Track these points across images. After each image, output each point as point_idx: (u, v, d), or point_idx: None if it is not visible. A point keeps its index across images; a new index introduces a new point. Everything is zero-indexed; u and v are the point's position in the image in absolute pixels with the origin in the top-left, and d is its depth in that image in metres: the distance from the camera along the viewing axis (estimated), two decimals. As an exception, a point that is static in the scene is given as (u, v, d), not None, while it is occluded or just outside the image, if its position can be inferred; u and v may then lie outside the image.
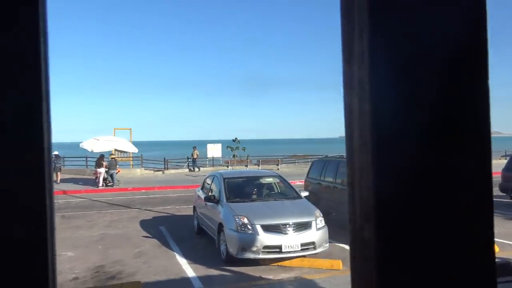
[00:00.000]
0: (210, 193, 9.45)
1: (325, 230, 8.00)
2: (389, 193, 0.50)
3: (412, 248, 0.50)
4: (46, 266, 0.63)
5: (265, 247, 7.45)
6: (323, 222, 8.05)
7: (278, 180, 9.93)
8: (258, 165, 28.41)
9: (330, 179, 11.14)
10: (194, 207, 10.78)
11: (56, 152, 22.27)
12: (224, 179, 9.30)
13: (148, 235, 10.24)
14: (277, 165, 29.13)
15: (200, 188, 10.97)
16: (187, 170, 28.60)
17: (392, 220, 0.50)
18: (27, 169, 0.63)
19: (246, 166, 27.59)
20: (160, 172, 27.99)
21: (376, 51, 0.49)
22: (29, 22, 0.60)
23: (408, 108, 0.51)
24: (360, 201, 0.52)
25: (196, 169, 28.38)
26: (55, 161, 22.07)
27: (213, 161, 31.75)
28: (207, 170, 27.84)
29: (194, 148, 28.66)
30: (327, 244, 8.01)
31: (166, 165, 30.60)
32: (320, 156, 18.32)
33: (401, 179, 0.50)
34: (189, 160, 29.25)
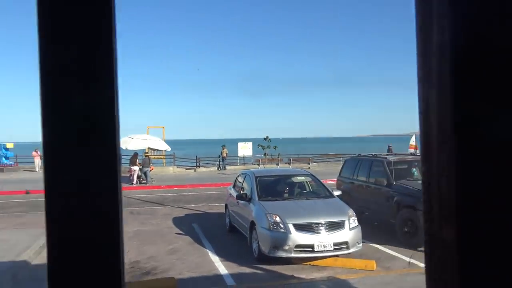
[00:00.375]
0: (242, 191, 9.49)
1: (359, 229, 7.89)
2: (474, 193, 0.46)
3: (501, 252, 0.47)
4: (120, 259, 0.68)
5: (297, 246, 7.41)
6: (356, 221, 7.94)
7: (310, 179, 9.87)
8: (289, 164, 28.31)
9: (363, 178, 10.96)
10: (226, 205, 10.85)
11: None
12: (256, 177, 9.32)
13: (181, 232, 10.39)
14: (308, 163, 28.95)
15: (231, 186, 11.04)
16: (220, 168, 28.83)
17: (477, 222, 0.46)
18: (104, 168, 0.66)
19: (277, 164, 27.55)
20: (192, 170, 28.34)
21: (458, 45, 0.47)
22: (104, 25, 0.65)
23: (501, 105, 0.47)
24: (438, 201, 0.50)
25: (224, 168, 28.59)
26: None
27: (244, 160, 31.88)
28: (238, 168, 27.99)
29: (223, 146, 28.86)
30: (361, 244, 7.90)
31: (198, 163, 30.97)
32: (352, 155, 18.07)
33: (489, 179, 0.46)
34: (219, 158, 29.48)
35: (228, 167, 29.29)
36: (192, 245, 9.13)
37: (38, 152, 29.40)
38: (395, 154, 11.74)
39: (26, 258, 7.83)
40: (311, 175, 10.06)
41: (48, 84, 0.64)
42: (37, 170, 28.74)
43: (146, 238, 9.79)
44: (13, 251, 8.21)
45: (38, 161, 29.18)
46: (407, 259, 7.98)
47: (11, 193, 18.16)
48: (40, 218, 13.54)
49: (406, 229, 8.85)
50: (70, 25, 0.63)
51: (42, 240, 9.10)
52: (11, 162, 31.50)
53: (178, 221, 11.70)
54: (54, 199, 0.68)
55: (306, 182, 9.85)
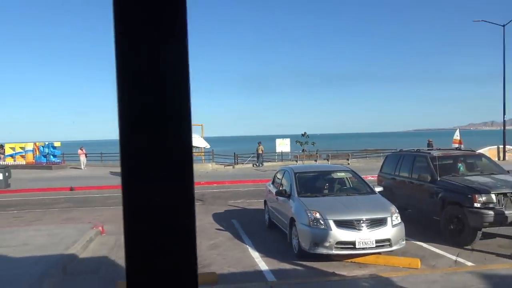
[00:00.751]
0: (281, 188, 9.46)
1: (401, 227, 7.68)
2: None
3: None
4: (195, 250, 0.72)
5: (338, 242, 7.31)
6: (399, 218, 7.73)
7: (350, 175, 9.70)
8: (328, 160, 27.99)
9: (406, 174, 10.66)
10: (265, 201, 10.86)
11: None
12: (295, 173, 9.25)
13: (221, 228, 10.50)
14: (347, 159, 28.51)
15: (270, 182, 11.03)
16: (256, 164, 28.92)
17: None
18: (178, 162, 0.69)
19: (315, 160, 27.31)
20: (231, 167, 28.58)
21: None
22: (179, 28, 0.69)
23: None
24: None
25: (260, 165, 28.63)
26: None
27: (282, 156, 31.80)
28: (275, 165, 27.96)
29: (259, 143, 28.89)
30: (404, 242, 7.68)
31: (236, 160, 31.19)
32: (393, 150, 17.61)
33: None
34: (253, 155, 29.55)
35: (265, 164, 29.31)
36: (232, 241, 9.20)
37: (83, 150, 30.56)
38: (440, 149, 11.33)
39: (74, 252, 8.15)
40: (352, 171, 9.89)
41: (126, 82, 0.68)
42: (82, 167, 29.88)
43: (187, 234, 9.95)
44: (62, 244, 8.57)
45: (83, 159, 30.34)
46: (453, 257, 7.70)
47: (59, 189, 18.97)
48: (85, 213, 14.20)
49: (451, 227, 8.54)
50: (144, 27, 0.67)
51: (89, 234, 9.45)
52: (58, 160, 32.93)
53: (218, 217, 11.83)
54: (131, 195, 0.74)
55: (346, 178, 9.69)
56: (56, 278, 6.84)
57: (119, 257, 8.21)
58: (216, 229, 10.41)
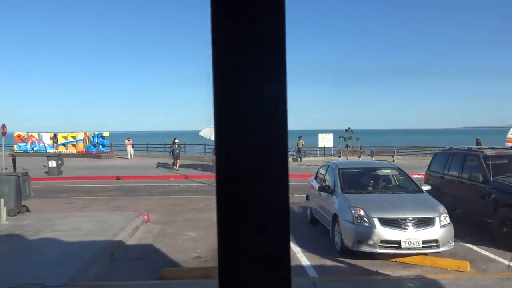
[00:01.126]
0: (324, 183, 9.34)
1: (450, 227, 7.37)
2: None
3: None
4: (289, 246, 0.74)
5: (383, 241, 7.13)
6: (447, 219, 7.43)
7: (396, 172, 9.42)
8: (372, 156, 27.37)
9: (455, 173, 10.22)
10: (307, 196, 10.77)
11: (176, 140, 24.09)
12: (339, 169, 9.10)
13: (263, 221, 10.51)
14: (393, 156, 27.76)
15: (313, 177, 10.92)
16: (296, 159, 28.74)
17: None
18: (275, 155, 0.70)
19: (359, 156, 26.79)
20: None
21: None
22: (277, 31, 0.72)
23: None
24: None
25: (298, 159, 28.40)
26: (175, 149, 23.87)
27: (325, 151, 31.43)
28: (317, 159, 27.69)
29: (300, 137, 28.64)
30: (452, 243, 7.38)
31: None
32: (442, 148, 16.96)
33: None
34: (294, 149, 29.34)
35: (307, 158, 29.07)
36: (274, 235, 9.20)
37: (130, 141, 31.56)
38: (493, 148, 10.77)
39: (121, 239, 8.44)
40: (398, 168, 9.60)
41: (226, 81, 0.72)
42: (129, 157, 30.88)
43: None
44: (110, 231, 8.90)
45: (130, 149, 31.35)
46: (506, 262, 7.32)
47: (106, 178, 19.72)
48: (132, 202, 14.66)
49: (505, 230, 8.12)
50: (246, 27, 0.71)
51: (135, 223, 9.76)
52: (107, 150, 34.24)
53: (260, 210, 11.85)
54: (226, 184, 0.74)
55: (392, 175, 9.42)
56: (104, 263, 7.11)
57: (164, 245, 8.43)
58: (258, 222, 10.44)
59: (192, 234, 9.31)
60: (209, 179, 19.82)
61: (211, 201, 11.50)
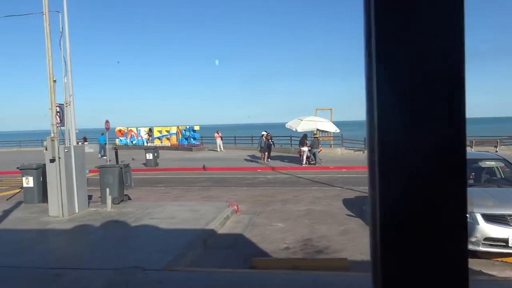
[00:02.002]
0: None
1: None
2: None
3: None
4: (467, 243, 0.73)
5: (486, 239, 6.55)
6: None
7: (502, 164, 8.59)
8: (471, 147, 25.34)
9: None
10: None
11: (263, 132, 24.42)
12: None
13: (352, 214, 10.27)
14: (495, 146, 25.45)
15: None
16: None
17: None
18: (451, 150, 0.68)
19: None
20: (360, 152, 27.79)
21: None
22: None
23: None
24: None
25: None
26: (263, 142, 24.22)
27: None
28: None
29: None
30: None
31: (366, 145, 30.14)
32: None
33: None
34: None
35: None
36: (364, 228, 8.92)
37: (219, 134, 32.70)
38: None
39: (213, 228, 8.77)
40: (504, 160, 8.74)
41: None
42: (218, 150, 32.03)
43: (317, 217, 9.97)
44: (203, 220, 9.30)
45: (219, 142, 32.49)
46: None
47: (198, 169, 20.66)
48: (222, 192, 15.17)
49: None
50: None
51: (226, 212, 10.08)
52: (197, 142, 35.85)
53: (348, 203, 11.59)
54: (390, 182, 0.75)
55: (497, 167, 8.61)
56: (198, 251, 7.45)
57: (253, 235, 8.60)
58: (347, 214, 10.21)
59: (280, 225, 9.38)
60: (296, 170, 19.83)
61: (299, 193, 11.58)
